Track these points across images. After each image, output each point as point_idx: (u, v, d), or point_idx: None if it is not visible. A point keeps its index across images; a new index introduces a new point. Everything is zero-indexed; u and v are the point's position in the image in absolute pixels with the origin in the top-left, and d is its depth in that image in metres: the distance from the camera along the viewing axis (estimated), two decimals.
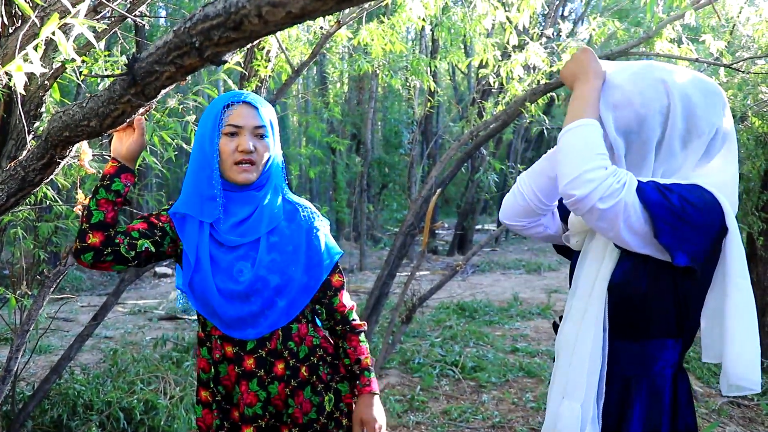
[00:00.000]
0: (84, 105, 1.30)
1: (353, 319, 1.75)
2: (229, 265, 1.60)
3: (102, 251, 1.52)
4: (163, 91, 1.19)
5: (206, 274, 1.59)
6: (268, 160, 1.65)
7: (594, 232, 1.39)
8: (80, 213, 1.77)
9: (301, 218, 1.69)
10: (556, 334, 1.53)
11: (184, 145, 2.68)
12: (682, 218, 1.19)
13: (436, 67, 5.59)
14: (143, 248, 1.57)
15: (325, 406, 1.65)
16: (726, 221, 1.25)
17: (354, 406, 1.72)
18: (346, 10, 3.45)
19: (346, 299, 1.76)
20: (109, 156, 1.59)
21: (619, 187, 1.18)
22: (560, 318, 1.52)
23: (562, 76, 1.43)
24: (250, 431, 1.61)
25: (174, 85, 1.20)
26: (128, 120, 1.32)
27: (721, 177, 1.34)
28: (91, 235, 1.51)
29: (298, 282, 1.63)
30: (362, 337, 1.75)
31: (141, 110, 1.29)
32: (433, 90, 6.13)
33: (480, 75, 4.89)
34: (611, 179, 1.18)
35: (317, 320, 1.75)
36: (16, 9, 1.94)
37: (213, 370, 1.65)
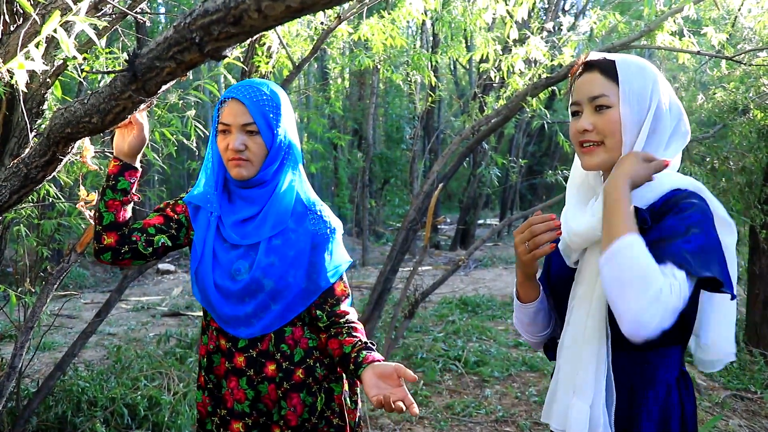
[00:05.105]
0: (85, 102, 1.30)
1: (353, 321, 1.65)
2: (228, 262, 1.60)
3: (119, 250, 1.57)
4: (163, 87, 1.19)
5: (207, 267, 1.60)
6: (269, 156, 1.59)
7: (591, 247, 1.34)
8: (83, 210, 1.79)
9: (309, 223, 1.63)
10: (547, 357, 1.53)
11: (185, 141, 2.69)
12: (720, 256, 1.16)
13: (437, 61, 5.59)
14: (160, 243, 1.61)
15: (317, 405, 1.63)
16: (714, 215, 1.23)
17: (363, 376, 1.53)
18: (346, 5, 3.45)
19: (347, 307, 1.67)
20: (111, 153, 1.60)
21: (678, 300, 1.08)
22: (551, 341, 1.52)
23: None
24: (239, 426, 1.61)
25: (175, 81, 1.20)
26: (129, 116, 1.32)
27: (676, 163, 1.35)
28: (105, 237, 1.56)
29: (297, 287, 1.59)
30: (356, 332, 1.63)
31: (142, 106, 1.30)
32: (434, 85, 6.13)
33: (481, 69, 4.89)
34: (671, 301, 1.07)
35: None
36: (18, 7, 1.94)
37: (206, 359, 1.66)
